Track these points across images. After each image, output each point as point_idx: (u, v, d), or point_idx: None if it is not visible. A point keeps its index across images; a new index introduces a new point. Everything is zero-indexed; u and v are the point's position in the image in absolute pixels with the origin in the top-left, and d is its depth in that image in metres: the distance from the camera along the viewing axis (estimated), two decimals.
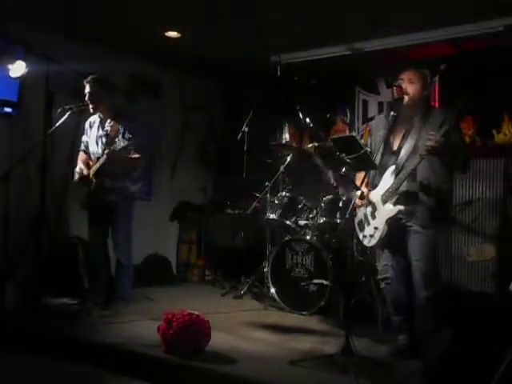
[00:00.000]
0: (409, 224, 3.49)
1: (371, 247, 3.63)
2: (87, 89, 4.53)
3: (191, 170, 6.97)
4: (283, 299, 4.93)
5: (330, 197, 5.09)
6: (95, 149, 4.62)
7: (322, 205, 5.06)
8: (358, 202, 3.61)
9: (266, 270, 5.16)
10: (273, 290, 5.00)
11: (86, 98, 4.54)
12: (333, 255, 4.79)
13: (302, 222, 5.14)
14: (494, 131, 5.32)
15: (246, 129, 5.64)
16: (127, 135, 4.29)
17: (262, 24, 5.11)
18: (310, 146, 5.45)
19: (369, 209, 3.61)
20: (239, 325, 4.37)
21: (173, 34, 5.49)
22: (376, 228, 3.52)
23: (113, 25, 5.21)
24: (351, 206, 3.49)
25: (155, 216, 6.41)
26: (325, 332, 4.27)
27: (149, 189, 6.37)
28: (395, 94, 3.56)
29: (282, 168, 5.32)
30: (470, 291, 5.06)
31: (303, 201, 5.23)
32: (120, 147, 4.21)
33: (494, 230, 5.05)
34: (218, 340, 3.61)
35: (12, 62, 4.60)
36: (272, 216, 5.15)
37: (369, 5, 4.58)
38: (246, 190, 5.71)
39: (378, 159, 3.57)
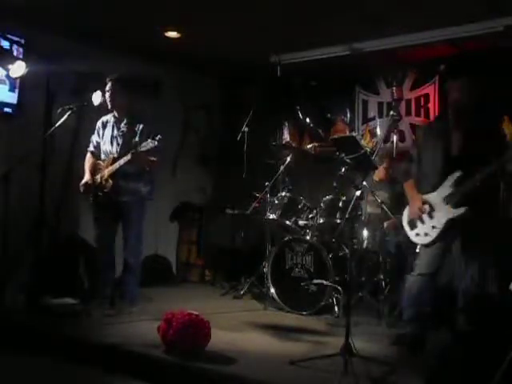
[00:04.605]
0: (466, 227, 3.59)
1: (425, 245, 3.74)
2: (108, 87, 4.52)
3: (191, 170, 6.97)
4: (283, 299, 4.93)
5: (329, 197, 5.09)
6: (109, 149, 4.60)
7: (322, 205, 5.07)
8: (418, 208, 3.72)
9: (265, 270, 5.16)
10: (273, 290, 5.00)
11: (107, 96, 4.52)
12: (333, 255, 4.81)
13: (301, 222, 5.14)
14: None
15: (246, 129, 5.63)
16: (158, 137, 4.21)
17: (262, 24, 5.11)
18: (310, 146, 5.46)
19: (425, 207, 3.71)
20: (239, 325, 4.37)
21: (173, 34, 5.49)
22: (434, 227, 3.66)
23: (113, 25, 5.21)
24: (351, 206, 3.50)
25: (155, 216, 6.40)
26: (325, 332, 4.28)
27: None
28: (395, 95, 3.58)
29: (282, 168, 5.32)
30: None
31: (303, 201, 5.23)
32: (148, 148, 4.19)
33: None
34: (218, 340, 3.61)
35: (12, 62, 4.59)
36: (272, 216, 5.15)
37: (369, 5, 4.58)
38: (246, 189, 5.71)
39: (436, 163, 3.70)
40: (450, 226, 3.62)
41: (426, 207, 3.71)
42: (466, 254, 3.65)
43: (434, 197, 3.71)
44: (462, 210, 3.57)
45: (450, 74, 5.23)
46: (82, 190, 4.65)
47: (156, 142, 4.17)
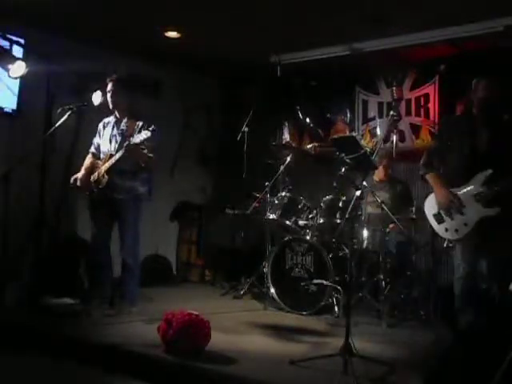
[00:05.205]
0: (495, 227, 3.56)
1: (454, 240, 3.73)
2: (109, 87, 4.50)
3: (191, 170, 6.97)
4: (283, 299, 4.93)
5: (329, 197, 5.09)
6: (108, 147, 4.58)
7: (322, 205, 5.07)
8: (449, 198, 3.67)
9: (265, 270, 5.16)
10: (273, 290, 5.00)
11: (108, 97, 4.52)
12: (333, 255, 4.81)
13: (301, 222, 5.13)
14: None
15: (246, 129, 5.64)
16: (152, 127, 4.15)
17: (262, 24, 5.11)
18: (310, 146, 5.46)
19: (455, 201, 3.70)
20: (239, 325, 4.37)
21: (173, 34, 5.49)
22: (466, 224, 3.62)
23: (113, 25, 5.21)
24: (351, 206, 3.50)
25: (155, 216, 6.40)
26: (325, 332, 4.28)
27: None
28: (395, 95, 3.58)
29: (282, 168, 5.33)
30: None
31: (303, 201, 5.23)
32: (142, 138, 4.14)
33: None
34: (218, 340, 3.61)
35: (12, 62, 4.59)
36: (272, 216, 5.15)
37: (369, 5, 4.58)
38: (246, 189, 5.71)
39: (463, 160, 3.69)
40: (481, 224, 3.58)
41: (456, 201, 3.67)
42: (493, 256, 3.60)
43: (463, 193, 3.66)
44: (495, 210, 3.54)
45: (458, 74, 5.27)
46: (71, 181, 4.61)
47: (149, 133, 4.11)
